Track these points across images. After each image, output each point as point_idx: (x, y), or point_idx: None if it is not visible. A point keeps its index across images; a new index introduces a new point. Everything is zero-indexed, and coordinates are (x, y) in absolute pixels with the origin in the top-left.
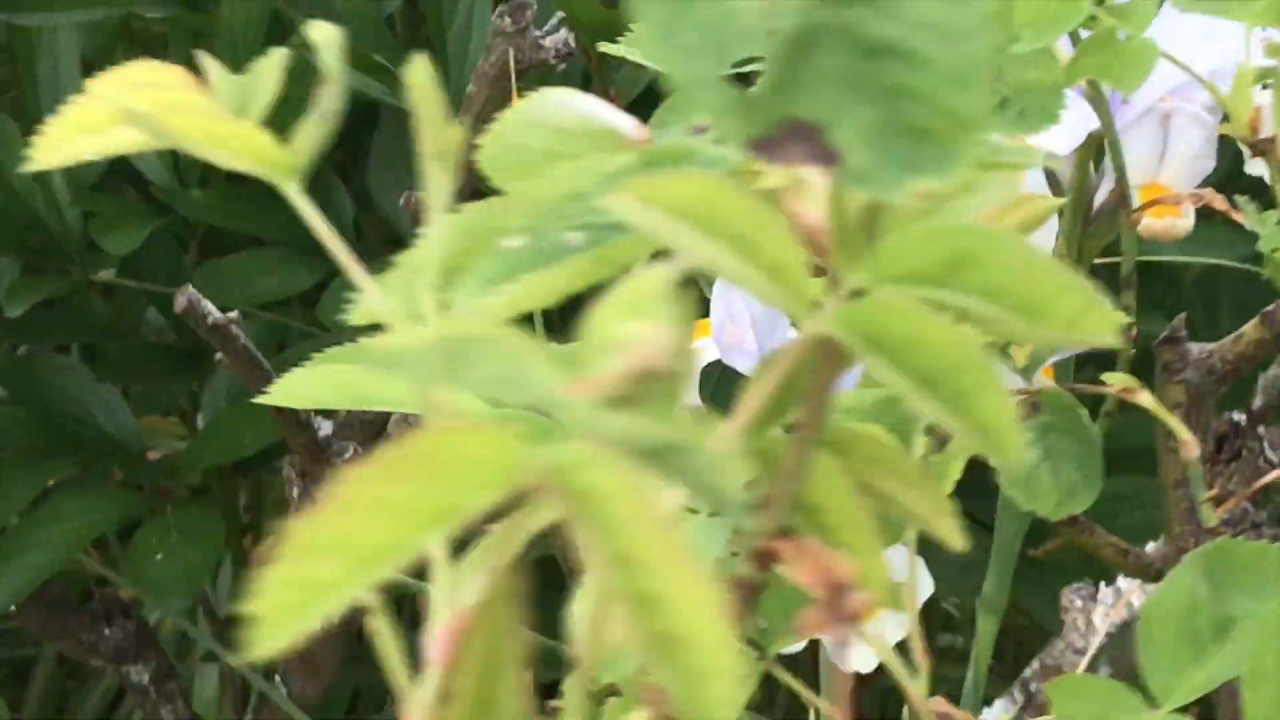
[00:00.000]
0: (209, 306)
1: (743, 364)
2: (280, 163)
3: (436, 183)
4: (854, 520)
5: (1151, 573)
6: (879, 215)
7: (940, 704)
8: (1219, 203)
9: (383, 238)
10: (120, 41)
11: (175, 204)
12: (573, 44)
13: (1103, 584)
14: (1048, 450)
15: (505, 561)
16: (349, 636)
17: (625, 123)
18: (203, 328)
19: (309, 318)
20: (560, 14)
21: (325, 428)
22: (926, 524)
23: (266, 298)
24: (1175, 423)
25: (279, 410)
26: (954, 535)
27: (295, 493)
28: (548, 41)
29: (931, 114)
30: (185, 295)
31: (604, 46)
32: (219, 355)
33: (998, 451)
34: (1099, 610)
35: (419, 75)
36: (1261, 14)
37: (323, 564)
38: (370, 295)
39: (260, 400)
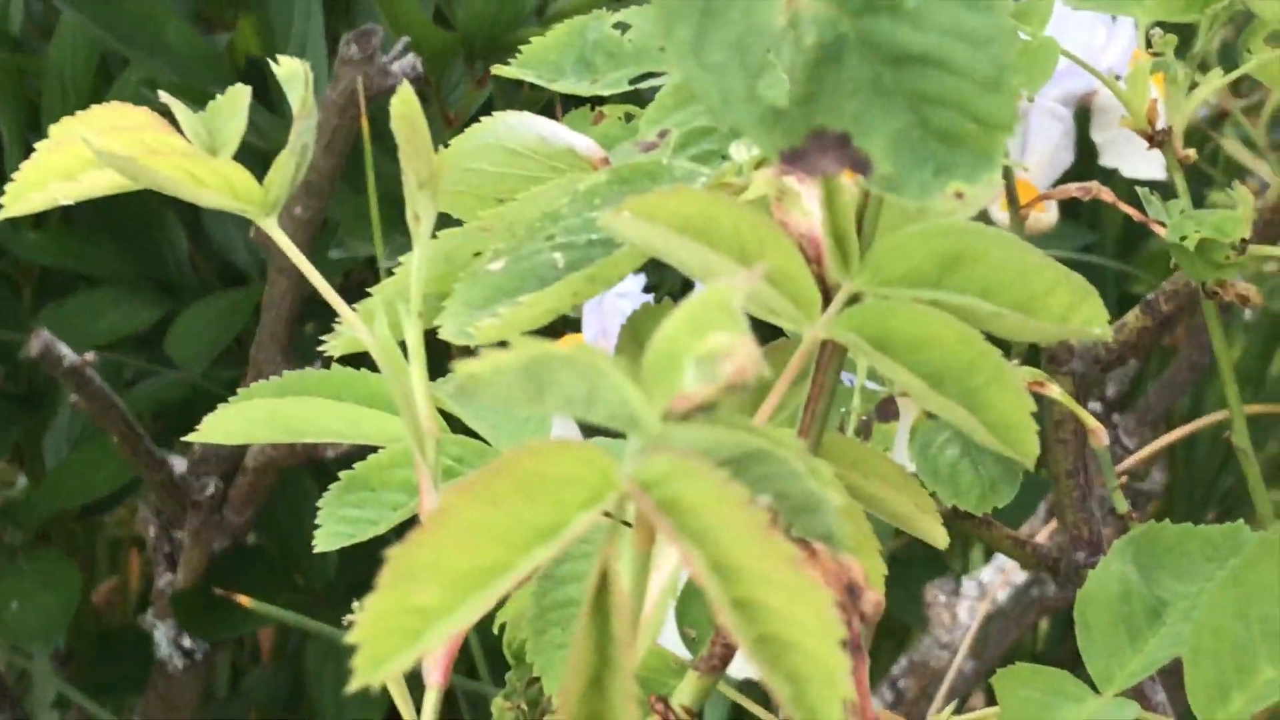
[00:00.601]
0: (64, 349)
1: None
2: (260, 199)
3: (420, 211)
4: (852, 521)
5: (1048, 563)
6: (872, 219)
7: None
8: (1106, 195)
9: (216, 270)
10: None
11: (11, 246)
12: (421, 68)
13: (964, 578)
14: (967, 446)
15: (607, 569)
16: (207, 673)
17: (581, 143)
18: (58, 370)
19: (146, 355)
20: (406, 39)
21: (180, 465)
22: (910, 524)
23: (108, 337)
24: (1084, 414)
25: (132, 450)
26: (939, 534)
27: (152, 531)
28: (395, 67)
29: (962, 118)
30: (40, 340)
31: (497, 69)
32: (73, 397)
33: (1013, 445)
34: (964, 605)
35: (403, 106)
36: (1152, 9)
37: (422, 590)
38: (352, 325)
39: (112, 442)
